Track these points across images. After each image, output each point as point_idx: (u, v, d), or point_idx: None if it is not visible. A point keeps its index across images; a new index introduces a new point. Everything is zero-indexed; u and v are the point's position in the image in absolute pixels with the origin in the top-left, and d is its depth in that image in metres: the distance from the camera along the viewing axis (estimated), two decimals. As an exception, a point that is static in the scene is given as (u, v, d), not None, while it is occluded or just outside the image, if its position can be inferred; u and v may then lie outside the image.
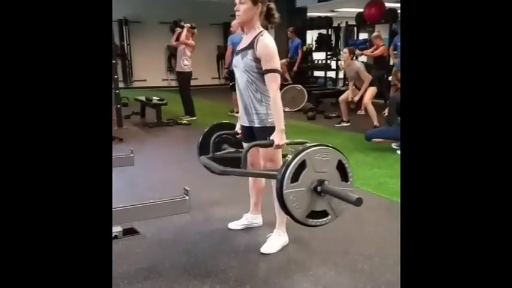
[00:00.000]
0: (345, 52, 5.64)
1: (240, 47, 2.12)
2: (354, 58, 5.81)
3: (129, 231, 2.40)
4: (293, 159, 1.71)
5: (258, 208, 2.50)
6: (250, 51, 2.01)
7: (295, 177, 1.70)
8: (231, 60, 5.89)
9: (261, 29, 2.06)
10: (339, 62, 10.36)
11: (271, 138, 2.02)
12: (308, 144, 1.78)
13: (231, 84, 6.35)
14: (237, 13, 2.03)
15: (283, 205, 1.72)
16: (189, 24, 6.21)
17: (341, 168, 1.79)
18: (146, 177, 3.52)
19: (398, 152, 4.25)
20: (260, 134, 2.08)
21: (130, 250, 2.23)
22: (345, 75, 10.27)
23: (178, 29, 6.27)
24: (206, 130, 2.51)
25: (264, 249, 2.19)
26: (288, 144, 2.05)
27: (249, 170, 2.15)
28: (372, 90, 5.48)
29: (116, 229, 2.32)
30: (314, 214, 1.76)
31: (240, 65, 2.09)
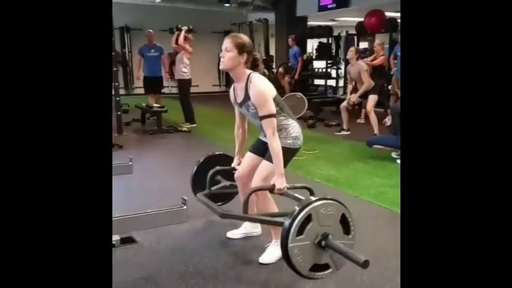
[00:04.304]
0: (351, 50, 5.54)
1: (238, 98, 2.16)
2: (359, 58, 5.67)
3: (127, 240, 2.38)
4: (299, 212, 1.72)
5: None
6: (249, 102, 2.06)
7: (300, 231, 1.72)
8: (145, 68, 6.60)
9: (247, 73, 2.07)
10: (339, 71, 10.42)
11: (272, 182, 2.06)
12: (313, 198, 1.80)
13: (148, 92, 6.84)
14: (221, 59, 2.05)
15: (288, 258, 1.73)
16: (186, 27, 6.23)
17: (344, 221, 1.82)
18: (145, 185, 3.50)
19: (398, 161, 4.24)
20: None
21: (128, 259, 2.21)
22: (345, 82, 10.34)
23: (176, 32, 6.34)
24: (200, 161, 2.55)
25: (263, 259, 2.17)
26: (289, 188, 2.07)
27: (251, 215, 2.14)
28: (373, 98, 5.46)
29: (114, 238, 2.30)
30: (316, 267, 1.79)
31: (249, 116, 2.17)
